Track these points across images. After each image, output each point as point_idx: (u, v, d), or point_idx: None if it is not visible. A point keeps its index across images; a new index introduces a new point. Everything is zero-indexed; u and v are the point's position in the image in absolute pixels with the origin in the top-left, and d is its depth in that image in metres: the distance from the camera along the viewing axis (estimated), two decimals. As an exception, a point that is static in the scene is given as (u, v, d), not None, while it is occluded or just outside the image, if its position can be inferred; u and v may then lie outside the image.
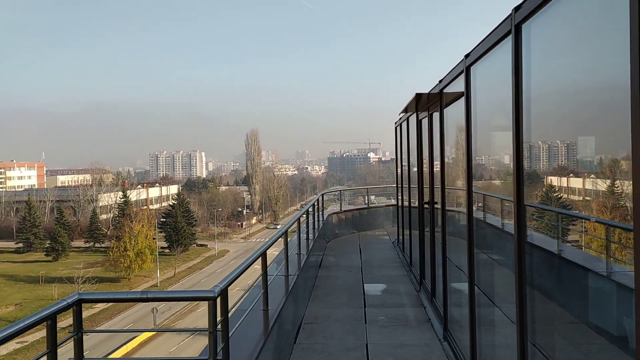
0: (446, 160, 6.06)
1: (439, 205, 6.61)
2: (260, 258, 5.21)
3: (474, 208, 4.86)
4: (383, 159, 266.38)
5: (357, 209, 17.70)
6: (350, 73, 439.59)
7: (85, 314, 46.12)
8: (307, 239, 10.47)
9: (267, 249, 5.54)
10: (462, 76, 4.86)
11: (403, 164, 11.79)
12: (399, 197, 13.17)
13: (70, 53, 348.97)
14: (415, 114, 8.51)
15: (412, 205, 10.22)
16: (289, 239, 7.81)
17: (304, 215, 10.36)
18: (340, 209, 16.72)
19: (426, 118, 7.30)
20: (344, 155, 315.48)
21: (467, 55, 4.78)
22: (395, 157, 13.32)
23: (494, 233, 4.76)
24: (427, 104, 7.02)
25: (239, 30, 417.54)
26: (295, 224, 8.84)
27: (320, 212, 14.01)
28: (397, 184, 13.72)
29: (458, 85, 5.16)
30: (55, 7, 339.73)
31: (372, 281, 10.07)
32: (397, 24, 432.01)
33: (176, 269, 66.11)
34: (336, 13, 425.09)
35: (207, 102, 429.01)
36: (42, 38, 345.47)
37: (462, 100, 4.90)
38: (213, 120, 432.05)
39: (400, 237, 12.97)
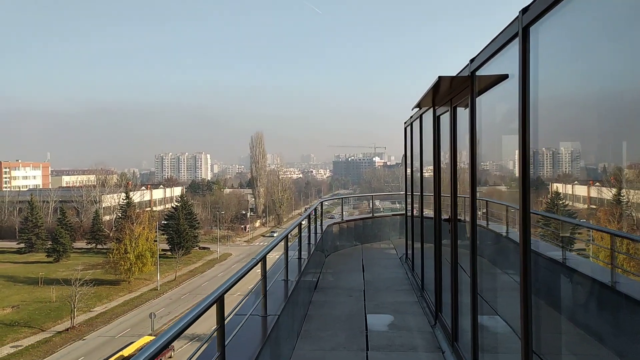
0: (479, 164, 4.80)
1: (464, 220, 5.50)
2: (259, 267, 4.91)
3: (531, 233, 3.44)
4: (388, 163, 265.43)
5: (361, 219, 15.88)
6: (357, 77, 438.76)
7: (82, 317, 45.46)
8: (300, 258, 8.91)
9: (245, 273, 4.75)
10: (516, 43, 3.51)
11: (414, 168, 10.41)
12: (408, 207, 11.75)
13: (76, 53, 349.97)
14: (432, 109, 7.18)
15: (425, 216, 8.88)
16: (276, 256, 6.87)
17: (302, 224, 9.21)
18: (342, 219, 14.93)
19: (447, 113, 6.10)
20: (349, 159, 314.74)
21: (472, 60, 4.75)
22: (404, 160, 11.99)
23: (554, 268, 3.43)
24: (449, 94, 5.86)
25: (246, 32, 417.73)
26: (288, 238, 7.67)
27: (319, 222, 12.57)
28: (406, 191, 12.18)
29: (504, 63, 3.95)
30: (61, 5, 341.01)
31: (377, 310, 8.51)
32: (405, 29, 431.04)
33: (177, 272, 65.11)
34: (343, 17, 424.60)
35: (213, 104, 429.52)
36: (48, 37, 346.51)
37: (509, 84, 3.75)
38: (219, 123, 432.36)
39: (409, 253, 11.51)
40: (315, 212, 11.83)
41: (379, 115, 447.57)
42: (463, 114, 5.38)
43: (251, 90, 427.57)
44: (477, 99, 4.64)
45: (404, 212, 16.41)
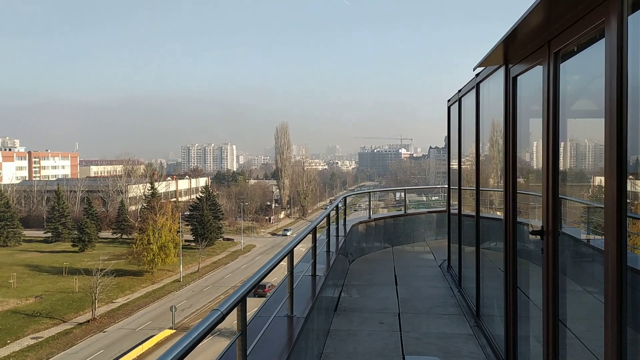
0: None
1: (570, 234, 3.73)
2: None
3: None
4: (415, 155, 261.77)
5: (391, 216, 13.66)
6: (384, 68, 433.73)
7: (104, 309, 44.88)
8: (314, 275, 6.89)
9: (269, 272, 3.87)
10: None
11: (465, 155, 8.34)
12: (452, 203, 9.75)
13: (107, 46, 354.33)
14: (502, 70, 5.07)
15: (483, 217, 6.81)
16: (295, 260, 5.24)
17: (322, 225, 7.53)
18: (369, 216, 12.78)
19: (535, 69, 4.16)
20: (375, 150, 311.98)
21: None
22: (446, 146, 10.12)
23: None
24: (544, 35, 3.81)
25: (272, 24, 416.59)
26: (305, 242, 6.25)
27: (342, 221, 10.65)
28: (449, 184, 10.16)
29: None
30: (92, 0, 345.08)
31: (419, 347, 6.28)
32: (430, 22, 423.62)
33: (200, 263, 64.35)
34: (370, 8, 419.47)
35: (239, 96, 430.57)
36: (79, 30, 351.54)
37: None
38: (245, 114, 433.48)
39: (455, 261, 9.30)
40: (337, 210, 9.68)
41: (406, 106, 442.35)
42: (577, 63, 3.57)
43: (278, 81, 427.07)
44: (629, 17, 2.62)
45: (440, 208, 14.32)
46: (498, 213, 6.13)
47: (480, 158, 6.85)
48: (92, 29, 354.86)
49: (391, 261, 11.36)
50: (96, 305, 42.44)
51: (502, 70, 5.18)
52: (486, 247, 6.57)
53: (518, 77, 4.77)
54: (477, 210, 6.90)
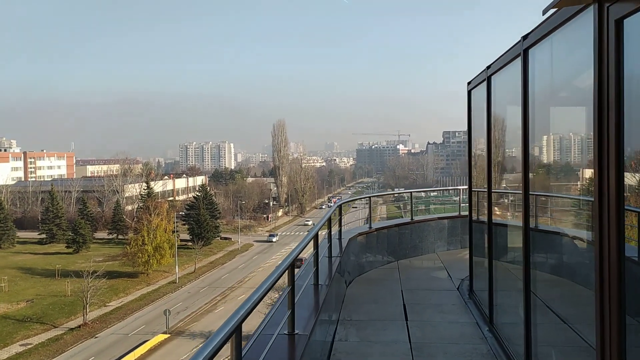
0: None
1: None
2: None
3: None
4: (413, 150, 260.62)
5: (396, 225, 11.46)
6: (380, 64, 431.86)
7: (96, 313, 43.68)
8: (316, 284, 5.95)
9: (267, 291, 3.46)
10: None
11: (496, 147, 6.56)
12: (476, 208, 7.98)
13: (102, 45, 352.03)
14: (595, 10, 3.17)
15: (538, 229, 4.93)
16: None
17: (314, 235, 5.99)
18: (370, 226, 10.74)
19: None
20: (373, 147, 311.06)
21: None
22: (468, 137, 8.03)
23: None
24: None
25: (269, 22, 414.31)
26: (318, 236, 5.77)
27: (338, 234, 9.08)
28: (470, 184, 8.26)
29: None
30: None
31: None
32: (428, 18, 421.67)
33: (197, 263, 63.16)
34: (367, 5, 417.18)
35: (237, 94, 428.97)
36: (73, 29, 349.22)
37: None
38: (243, 112, 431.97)
39: (481, 284, 7.42)
40: (330, 223, 7.65)
41: (403, 101, 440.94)
42: None
43: (275, 79, 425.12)
44: None
45: (450, 213, 12.51)
46: (565, 225, 4.54)
47: (531, 152, 5.04)
48: (88, 29, 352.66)
49: (397, 281, 9.41)
50: (87, 310, 41.20)
51: (588, 14, 3.36)
52: (544, 270, 4.79)
53: (626, 20, 2.97)
54: (526, 220, 4.82)
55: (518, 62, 4.99)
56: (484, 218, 6.95)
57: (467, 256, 10.25)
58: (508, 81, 5.67)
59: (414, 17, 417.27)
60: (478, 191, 7.96)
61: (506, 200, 6.49)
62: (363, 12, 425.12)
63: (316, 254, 6.01)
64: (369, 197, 11.88)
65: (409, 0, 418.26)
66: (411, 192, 12.68)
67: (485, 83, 6.59)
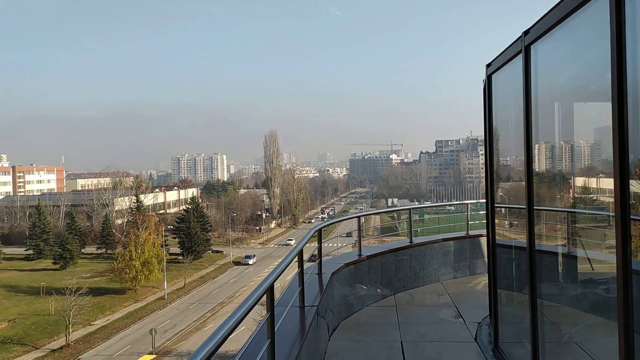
0: None
1: None
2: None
3: None
4: (405, 160, 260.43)
5: (391, 250, 9.19)
6: (373, 74, 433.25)
7: (81, 332, 42.10)
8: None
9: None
10: None
11: (528, 149, 4.90)
12: (491, 227, 6.07)
13: (90, 57, 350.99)
14: None
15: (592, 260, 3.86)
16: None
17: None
18: (359, 253, 8.50)
19: None
20: (366, 157, 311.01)
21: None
22: (486, 137, 6.02)
23: None
24: None
25: (260, 32, 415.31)
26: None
27: (317, 266, 7.03)
28: (490, 198, 6.16)
29: None
30: (73, 9, 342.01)
31: None
32: (418, 26, 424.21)
33: (187, 278, 61.59)
34: (360, 16, 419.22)
35: (229, 105, 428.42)
36: (61, 41, 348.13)
37: None
38: (235, 124, 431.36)
39: (513, 334, 5.70)
40: (302, 260, 5.63)
41: (396, 112, 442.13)
42: None
43: (267, 90, 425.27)
44: None
45: (457, 233, 10.41)
46: None
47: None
48: (78, 41, 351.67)
49: (395, 326, 7.36)
50: (70, 330, 39.57)
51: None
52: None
53: None
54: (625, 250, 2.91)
55: (565, 29, 3.73)
56: (518, 242, 5.23)
57: (478, 286, 8.82)
58: (554, 57, 4.27)
59: (406, 25, 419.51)
60: (506, 207, 6.25)
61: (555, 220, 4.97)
62: (354, 23, 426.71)
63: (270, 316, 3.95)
64: (358, 217, 9.15)
65: (400, 8, 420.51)
66: (410, 209, 10.14)
67: (521, 57, 4.52)
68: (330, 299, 6.94)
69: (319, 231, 6.91)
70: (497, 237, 6.01)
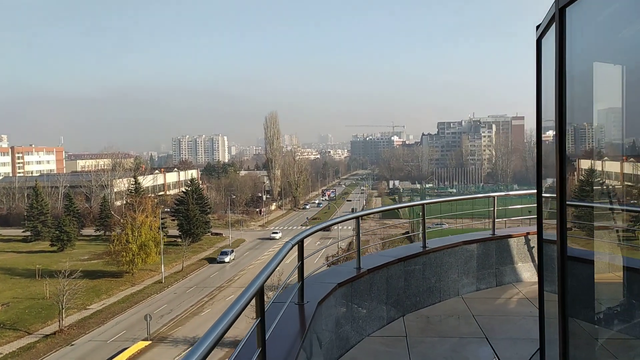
0: None
1: None
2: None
3: None
4: (407, 142, 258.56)
5: (399, 260, 7.08)
6: (375, 55, 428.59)
7: (76, 316, 41.31)
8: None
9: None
10: None
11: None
12: (560, 231, 3.63)
13: (92, 37, 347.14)
14: None
15: None
16: None
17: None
18: (358, 266, 6.51)
19: None
20: (367, 138, 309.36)
21: None
22: (537, 108, 4.28)
23: None
24: None
25: (262, 14, 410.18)
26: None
27: (298, 291, 5.09)
28: (540, 188, 4.48)
29: None
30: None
31: None
32: (420, 11, 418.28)
33: (185, 261, 60.75)
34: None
35: (231, 86, 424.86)
36: (65, 23, 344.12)
37: None
38: (237, 105, 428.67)
39: None
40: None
41: (397, 93, 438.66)
42: None
43: (269, 71, 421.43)
44: None
45: (483, 234, 8.54)
46: None
47: None
48: (79, 22, 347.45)
49: None
50: (64, 315, 38.71)
51: None
52: None
53: None
54: None
55: None
56: (598, 250, 3.83)
57: (511, 303, 7.09)
58: None
59: (404, 5, 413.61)
60: (542, 192, 4.48)
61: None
62: (354, 4, 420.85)
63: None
64: (357, 217, 6.78)
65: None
66: (423, 205, 7.96)
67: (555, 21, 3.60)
68: (319, 331, 5.26)
69: (300, 244, 4.84)
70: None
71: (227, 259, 63.35)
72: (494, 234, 8.22)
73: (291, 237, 4.68)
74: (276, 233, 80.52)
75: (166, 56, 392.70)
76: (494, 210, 8.32)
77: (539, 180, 4.36)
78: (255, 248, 72.60)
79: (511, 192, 7.91)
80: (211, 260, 64.34)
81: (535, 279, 7.36)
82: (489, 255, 8.05)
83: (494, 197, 8.45)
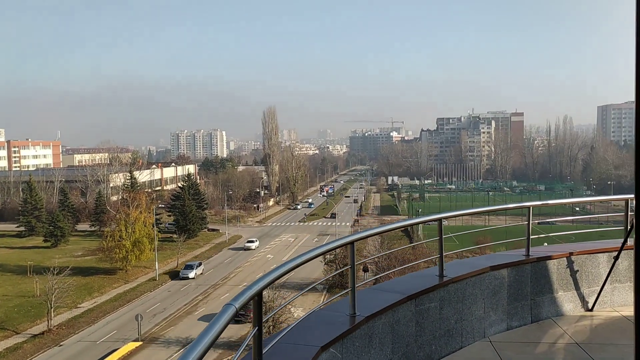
0: None
1: None
2: None
3: None
4: (406, 138, 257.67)
5: (410, 298, 5.02)
6: (373, 50, 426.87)
7: (66, 315, 40.23)
8: None
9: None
10: None
11: None
12: None
13: (89, 32, 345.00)
14: None
15: None
16: None
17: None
18: (353, 312, 4.47)
19: None
20: (366, 134, 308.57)
21: None
22: (636, 76, 2.78)
23: None
24: None
25: (261, 9, 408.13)
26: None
27: None
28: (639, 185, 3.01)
29: None
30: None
31: None
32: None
33: (180, 258, 59.66)
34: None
35: (231, 81, 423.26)
36: (63, 18, 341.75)
37: None
38: (236, 100, 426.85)
39: None
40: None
41: (396, 89, 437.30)
42: None
43: (268, 66, 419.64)
44: None
45: (514, 254, 6.70)
46: None
47: None
48: (76, 16, 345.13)
49: None
50: (52, 314, 37.56)
51: None
52: None
53: None
54: None
55: None
56: None
57: (555, 351, 5.62)
58: None
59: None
60: None
61: None
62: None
63: None
64: (352, 243, 4.48)
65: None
66: (440, 219, 5.77)
67: None
68: None
69: (257, 298, 3.14)
70: None
71: (191, 275, 52.25)
72: (528, 254, 6.48)
73: (233, 298, 2.91)
74: (252, 242, 68.57)
75: (166, 51, 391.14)
76: (528, 223, 6.45)
77: (638, 182, 3.00)
78: (226, 263, 60.74)
79: (550, 201, 6.49)
80: (174, 275, 53.30)
81: (580, 312, 6.40)
82: (523, 282, 6.36)
83: (528, 207, 6.73)
